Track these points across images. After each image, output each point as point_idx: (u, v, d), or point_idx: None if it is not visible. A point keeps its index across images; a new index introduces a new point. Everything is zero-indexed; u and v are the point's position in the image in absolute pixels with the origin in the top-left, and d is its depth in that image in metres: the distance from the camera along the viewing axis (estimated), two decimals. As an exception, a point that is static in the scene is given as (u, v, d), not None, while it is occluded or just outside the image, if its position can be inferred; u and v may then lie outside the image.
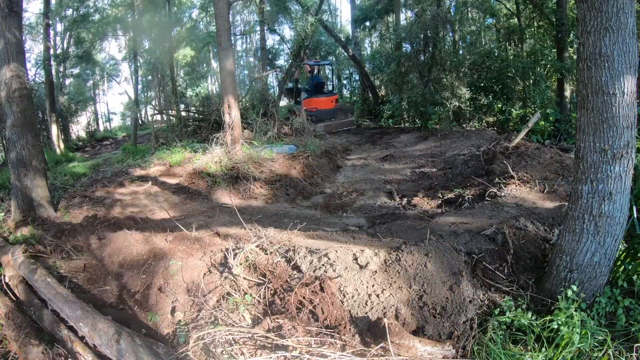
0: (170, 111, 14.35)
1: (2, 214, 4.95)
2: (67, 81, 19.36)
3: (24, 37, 8.12)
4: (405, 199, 5.54)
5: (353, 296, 2.61)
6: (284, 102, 14.47)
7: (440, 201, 5.15)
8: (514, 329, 2.51)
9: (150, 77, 20.53)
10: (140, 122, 18.60)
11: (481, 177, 5.39)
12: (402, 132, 11.34)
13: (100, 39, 18.20)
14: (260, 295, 2.71)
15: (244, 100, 11.43)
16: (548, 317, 2.42)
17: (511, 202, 4.15)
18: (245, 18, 24.84)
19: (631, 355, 2.30)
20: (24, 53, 5.14)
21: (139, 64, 17.86)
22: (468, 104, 11.35)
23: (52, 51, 14.00)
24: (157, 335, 2.69)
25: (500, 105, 10.11)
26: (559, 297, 2.49)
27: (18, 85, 4.58)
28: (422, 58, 11.93)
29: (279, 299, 2.62)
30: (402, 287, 2.65)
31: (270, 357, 2.16)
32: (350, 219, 4.89)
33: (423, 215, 4.40)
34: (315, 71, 13.91)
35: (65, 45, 16.74)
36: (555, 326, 2.37)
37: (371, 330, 2.43)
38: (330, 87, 14.08)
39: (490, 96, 10.43)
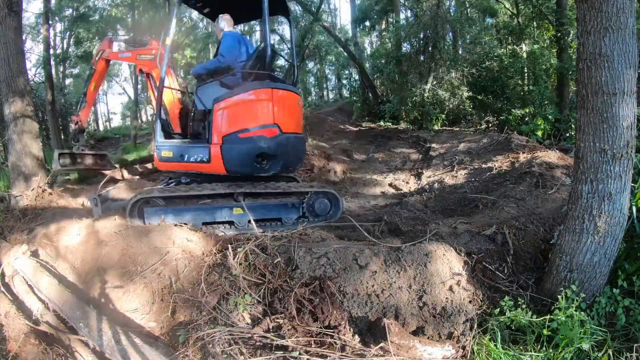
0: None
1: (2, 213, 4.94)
2: (67, 81, 19.36)
3: (24, 37, 8.13)
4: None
5: (353, 296, 2.61)
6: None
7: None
8: (514, 329, 2.51)
9: (150, 77, 20.48)
10: (140, 122, 18.60)
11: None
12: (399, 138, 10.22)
13: (101, 39, 18.14)
14: (259, 295, 2.70)
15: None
16: (548, 317, 2.42)
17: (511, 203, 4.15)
18: (245, 18, 24.74)
19: (631, 355, 2.30)
20: (24, 53, 5.14)
21: (139, 64, 17.81)
22: (468, 102, 11.32)
23: (52, 51, 13.98)
24: (157, 336, 2.69)
25: (500, 105, 10.11)
26: (559, 297, 2.49)
27: (18, 85, 4.58)
28: (422, 58, 11.91)
29: (278, 299, 2.62)
30: (402, 287, 2.65)
31: (270, 358, 2.15)
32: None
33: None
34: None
35: (65, 45, 16.74)
36: (555, 326, 2.37)
37: (371, 331, 2.43)
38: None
39: (490, 96, 10.42)
